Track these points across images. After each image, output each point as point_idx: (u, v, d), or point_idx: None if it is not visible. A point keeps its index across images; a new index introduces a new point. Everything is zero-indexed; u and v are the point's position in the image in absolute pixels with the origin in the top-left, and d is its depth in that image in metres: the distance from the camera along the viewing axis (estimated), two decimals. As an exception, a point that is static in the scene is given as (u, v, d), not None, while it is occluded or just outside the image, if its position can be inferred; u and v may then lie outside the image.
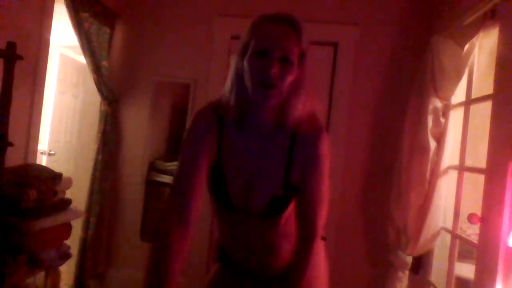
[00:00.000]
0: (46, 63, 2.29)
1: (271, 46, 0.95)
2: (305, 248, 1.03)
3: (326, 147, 1.06)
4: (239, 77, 1.01)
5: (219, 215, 1.14)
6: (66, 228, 2.08)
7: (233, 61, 1.05)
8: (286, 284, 1.03)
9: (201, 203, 1.04)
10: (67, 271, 2.85)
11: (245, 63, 0.98)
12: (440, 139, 2.08)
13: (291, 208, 1.08)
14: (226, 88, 1.06)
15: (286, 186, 1.05)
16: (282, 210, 1.08)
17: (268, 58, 0.94)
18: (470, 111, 1.98)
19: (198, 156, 1.02)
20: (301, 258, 1.02)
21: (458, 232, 2.01)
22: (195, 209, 1.01)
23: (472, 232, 2.29)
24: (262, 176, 1.06)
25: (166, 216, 1.00)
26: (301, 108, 1.01)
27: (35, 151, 2.26)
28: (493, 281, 1.46)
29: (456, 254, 1.99)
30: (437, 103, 2.10)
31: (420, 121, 2.13)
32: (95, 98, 2.98)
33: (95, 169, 2.81)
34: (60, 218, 1.98)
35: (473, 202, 1.85)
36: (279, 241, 1.13)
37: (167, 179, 3.10)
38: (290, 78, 0.97)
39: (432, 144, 2.09)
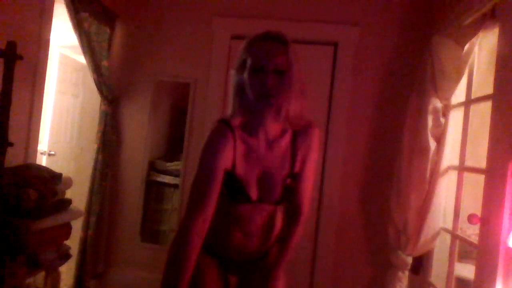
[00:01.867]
0: (46, 63, 2.29)
1: (265, 62, 1.14)
2: (296, 221, 1.35)
3: (318, 139, 1.32)
4: (240, 88, 1.20)
5: (230, 208, 1.29)
6: (66, 228, 2.09)
7: (232, 77, 1.24)
8: (279, 249, 1.34)
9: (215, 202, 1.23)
10: (67, 271, 2.85)
11: (246, 79, 1.17)
12: (440, 139, 2.08)
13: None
14: (230, 101, 1.24)
15: (292, 175, 1.29)
16: (290, 196, 1.32)
17: (264, 72, 1.13)
18: (470, 111, 1.98)
19: (217, 166, 1.19)
20: (293, 228, 1.34)
21: (458, 232, 2.01)
22: (213, 206, 1.20)
23: (472, 232, 2.29)
24: (274, 171, 1.27)
25: (190, 213, 1.16)
26: (294, 107, 1.19)
27: (35, 151, 2.26)
28: (493, 281, 1.46)
29: (456, 254, 1.99)
30: (437, 103, 2.10)
31: (420, 121, 2.12)
32: (95, 98, 2.98)
33: (95, 169, 2.81)
34: (60, 218, 1.98)
35: (473, 202, 1.85)
36: (276, 219, 1.35)
37: (167, 179, 3.10)
38: (284, 86, 1.14)
39: (432, 144, 2.08)
